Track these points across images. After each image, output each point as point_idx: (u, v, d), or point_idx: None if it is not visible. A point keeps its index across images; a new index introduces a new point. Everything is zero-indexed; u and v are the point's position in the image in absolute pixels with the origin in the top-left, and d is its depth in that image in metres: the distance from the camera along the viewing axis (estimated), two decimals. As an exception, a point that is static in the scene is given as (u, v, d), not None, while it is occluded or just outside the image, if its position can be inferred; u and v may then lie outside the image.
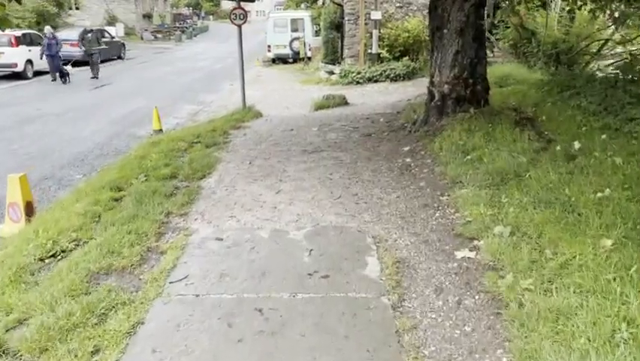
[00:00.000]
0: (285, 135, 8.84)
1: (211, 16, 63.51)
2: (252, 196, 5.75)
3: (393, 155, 7.13)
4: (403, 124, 8.72)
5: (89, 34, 19.86)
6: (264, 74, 21.48)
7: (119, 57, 26.90)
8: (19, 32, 20.28)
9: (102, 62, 25.10)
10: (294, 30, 23.95)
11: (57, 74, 18.64)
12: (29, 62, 19.71)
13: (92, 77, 19.55)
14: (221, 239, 4.62)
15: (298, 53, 23.12)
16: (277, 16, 24.45)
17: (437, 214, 5.08)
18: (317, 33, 24.72)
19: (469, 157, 6.28)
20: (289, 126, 9.63)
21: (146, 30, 38.22)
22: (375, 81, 16.42)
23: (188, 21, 48.18)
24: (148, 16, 40.91)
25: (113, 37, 26.89)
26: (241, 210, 5.34)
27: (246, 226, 4.96)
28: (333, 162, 6.95)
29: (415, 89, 14.63)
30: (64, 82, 18.53)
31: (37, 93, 16.56)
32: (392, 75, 16.29)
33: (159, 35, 38.72)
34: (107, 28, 32.06)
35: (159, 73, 22.19)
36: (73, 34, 24.55)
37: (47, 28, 19.71)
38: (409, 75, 16.37)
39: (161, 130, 11.24)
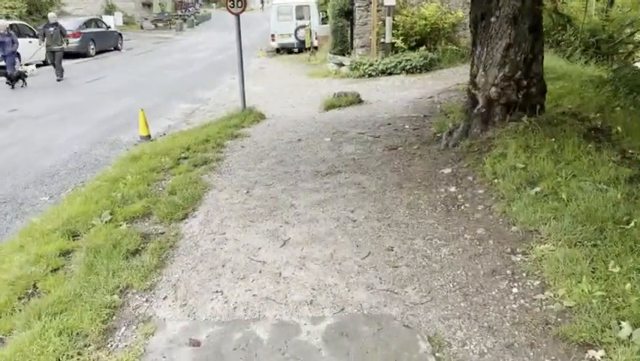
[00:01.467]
0: (292, 148, 7.18)
1: (214, 4, 61.43)
2: (248, 252, 4.10)
3: (432, 180, 5.46)
4: (436, 134, 7.03)
5: (51, 29, 16.36)
6: (268, 66, 19.73)
7: (116, 48, 25.16)
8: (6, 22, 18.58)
9: (98, 53, 23.54)
10: (300, 18, 22.13)
11: (8, 75, 15.12)
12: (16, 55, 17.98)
13: (58, 80, 16.49)
14: (198, 344, 2.98)
15: (304, 43, 21.33)
16: (281, 2, 22.59)
17: (515, 290, 3.43)
18: (324, 21, 22.89)
19: (538, 190, 4.61)
20: (296, 135, 7.96)
21: (145, 19, 36.36)
22: (390, 74, 14.67)
23: (190, 9, 46.21)
24: (148, 5, 39.02)
25: (108, 27, 25.13)
26: (231, 279, 3.71)
27: (236, 312, 3.32)
28: (355, 191, 5.29)
29: (435, 84, 12.91)
30: (13, 86, 15.07)
31: (19, 91, 14.89)
32: (408, 67, 14.53)
33: (160, 24, 36.84)
34: (104, 17, 30.34)
35: (156, 65, 20.46)
36: (69, 24, 22.80)
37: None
38: (427, 67, 14.61)
39: (149, 136, 9.61)
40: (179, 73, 18.31)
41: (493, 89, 6.13)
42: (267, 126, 8.93)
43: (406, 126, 7.87)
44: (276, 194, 5.34)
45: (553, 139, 5.54)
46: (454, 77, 13.53)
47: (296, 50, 22.22)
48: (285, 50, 22.46)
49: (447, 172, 5.59)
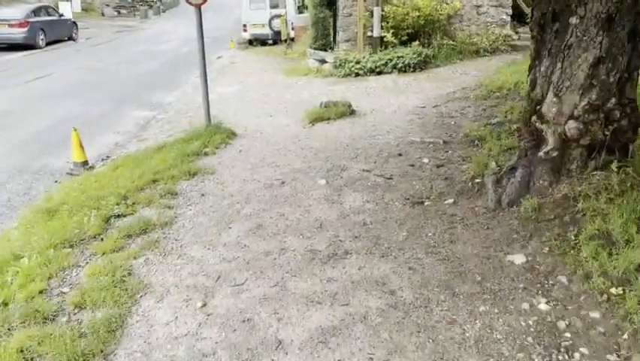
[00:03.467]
0: (273, 198, 4.98)
1: (183, -10, 57.86)
2: None
3: (499, 279, 3.35)
4: (474, 178, 4.91)
5: None
6: (239, 60, 17.31)
7: (70, 38, 22.29)
8: None
9: (49, 44, 20.71)
10: (274, 6, 19.69)
11: None
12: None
13: None
14: None
15: (279, 34, 18.94)
16: (254, -11, 20.10)
17: None
18: (300, 9, 20.52)
19: None
20: (277, 171, 5.75)
21: (107, 5, 33.16)
22: (379, 73, 12.50)
23: (158, -5, 42.92)
24: (111, -10, 35.81)
25: (61, 15, 22.22)
26: None
27: None
28: (380, 304, 3.15)
29: (435, 86, 10.82)
30: None
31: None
32: (400, 65, 12.38)
33: (123, 11, 33.66)
34: (60, 3, 27.28)
35: (114, 59, 17.84)
36: (15, 12, 19.98)
37: None
38: (421, 65, 12.49)
39: (85, 162, 7.31)
40: (139, 69, 15.79)
41: (572, 123, 4.05)
42: (239, 153, 6.69)
43: (425, 160, 5.74)
44: (252, 310, 3.16)
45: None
46: (453, 78, 11.47)
47: (270, 41, 19.81)
48: (258, 41, 20.03)
49: (519, 262, 3.50)
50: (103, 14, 32.20)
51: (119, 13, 33.33)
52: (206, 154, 6.69)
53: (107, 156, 8.00)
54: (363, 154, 6.15)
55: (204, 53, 7.71)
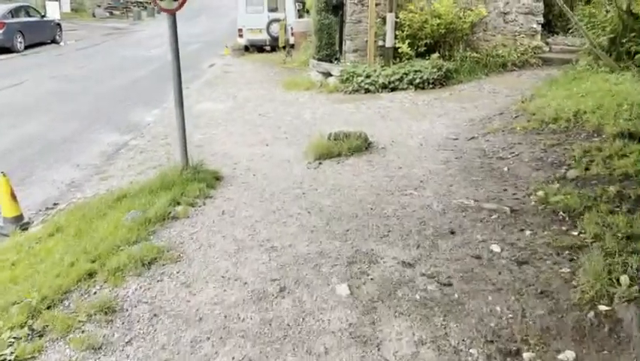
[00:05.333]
0: (263, 338, 2.99)
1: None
2: None
3: None
4: (594, 304, 2.93)
5: None
6: (234, 69, 15.28)
7: (54, 41, 20.22)
8: None
9: (29, 47, 18.65)
10: (272, 10, 17.67)
11: None
12: None
13: None
14: None
15: (277, 40, 16.96)
16: (250, -9, 18.06)
17: None
18: (300, 14, 18.54)
19: None
20: (273, 263, 3.76)
21: (98, 6, 30.93)
22: (393, 89, 10.55)
23: (153, -5, 40.69)
24: (103, -10, 33.64)
25: (43, 16, 20.13)
26: None
27: None
28: None
29: (461, 109, 8.88)
30: None
31: None
32: (417, 81, 10.44)
33: (116, 12, 31.50)
34: (47, 3, 25.22)
35: (96, 66, 15.81)
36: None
37: None
38: (441, 80, 10.54)
39: (19, 217, 5.40)
40: (122, 78, 13.77)
41: None
42: (220, 217, 4.70)
43: (494, 246, 3.74)
44: None
45: None
46: (481, 97, 9.53)
47: (268, 48, 17.80)
48: (254, 47, 18.01)
49: None
50: (94, 15, 30.03)
51: (111, 14, 31.16)
52: (175, 218, 4.70)
53: (55, 203, 6.05)
54: (397, 228, 4.17)
55: (180, 74, 5.72)
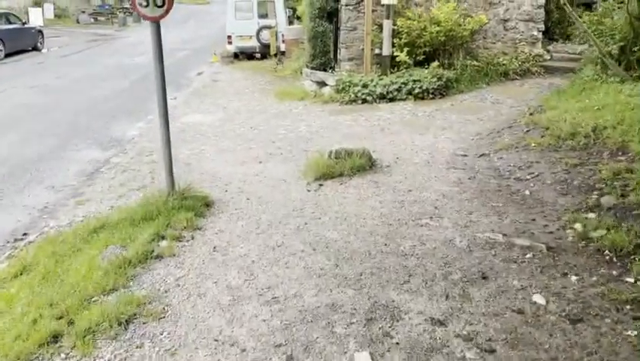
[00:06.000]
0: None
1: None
2: None
3: None
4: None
5: None
6: (223, 78, 14.62)
7: (35, 48, 19.40)
8: None
9: (10, 55, 17.85)
10: (262, 16, 17.05)
11: None
12: None
13: None
14: None
15: (268, 47, 16.34)
16: (239, -4, 17.42)
17: None
18: (290, 20, 17.94)
19: None
20: (275, 319, 3.10)
21: (83, 12, 30.02)
22: (391, 99, 9.97)
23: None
24: (88, -5, 32.77)
25: (24, 23, 19.31)
26: None
27: None
28: None
29: (465, 121, 8.35)
30: None
31: None
32: (417, 91, 9.88)
33: (101, 18, 30.62)
34: (31, 10, 24.40)
35: (77, 75, 15.05)
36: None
37: None
38: (442, 90, 9.99)
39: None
40: (105, 88, 13.04)
41: None
42: (211, 256, 4.05)
43: (536, 298, 3.14)
44: None
45: None
46: (485, 109, 9.00)
47: (258, 55, 17.16)
48: (244, 55, 17.35)
49: None
50: (78, 22, 29.15)
51: (95, 20, 30.29)
52: (159, 257, 4.05)
53: (25, 234, 5.37)
54: (418, 271, 3.56)
55: (164, 88, 5.08)
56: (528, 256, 3.64)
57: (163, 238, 4.35)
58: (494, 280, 3.36)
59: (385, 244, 4.02)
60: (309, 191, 5.68)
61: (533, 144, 6.34)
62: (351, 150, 6.32)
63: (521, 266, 3.51)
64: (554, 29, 11.76)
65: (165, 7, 4.95)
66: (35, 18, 22.42)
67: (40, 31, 19.90)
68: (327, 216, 4.79)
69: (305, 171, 6.29)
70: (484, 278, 3.41)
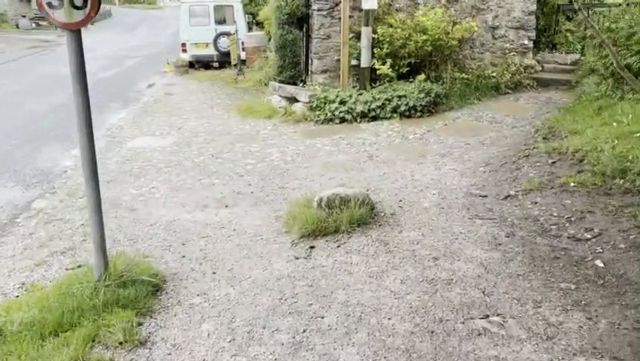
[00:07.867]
0: None
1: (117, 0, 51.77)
2: None
3: None
4: None
5: None
6: (177, 90, 12.81)
7: (-38, 57, 16.96)
8: None
9: None
10: (220, 22, 15.30)
11: None
12: None
13: None
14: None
15: (227, 55, 14.64)
16: (193, 0, 15.63)
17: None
18: (249, 26, 16.28)
19: None
20: None
21: (23, 16, 27.31)
22: (374, 118, 8.53)
23: (87, 5, 36.98)
24: (28, -1, 29.89)
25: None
26: None
27: None
28: None
29: (462, 142, 7.05)
30: None
31: None
32: (403, 108, 8.48)
33: (43, 23, 27.88)
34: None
35: (8, 89, 12.89)
36: None
37: None
38: (430, 107, 8.63)
39: None
40: (39, 104, 11.01)
41: None
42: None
43: None
44: None
45: None
46: (483, 129, 7.72)
47: (216, 64, 15.41)
48: (200, 63, 15.55)
49: None
50: (17, 27, 26.41)
51: (37, 25, 27.57)
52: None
53: None
54: None
55: (90, 125, 3.40)
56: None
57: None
58: None
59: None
60: (297, 258, 4.13)
61: (573, 184, 4.99)
62: (348, 196, 4.78)
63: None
64: (540, 37, 10.64)
65: (87, 10, 3.28)
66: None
67: (-32, 38, 17.43)
68: (331, 312, 3.24)
69: (288, 222, 4.73)
70: None
